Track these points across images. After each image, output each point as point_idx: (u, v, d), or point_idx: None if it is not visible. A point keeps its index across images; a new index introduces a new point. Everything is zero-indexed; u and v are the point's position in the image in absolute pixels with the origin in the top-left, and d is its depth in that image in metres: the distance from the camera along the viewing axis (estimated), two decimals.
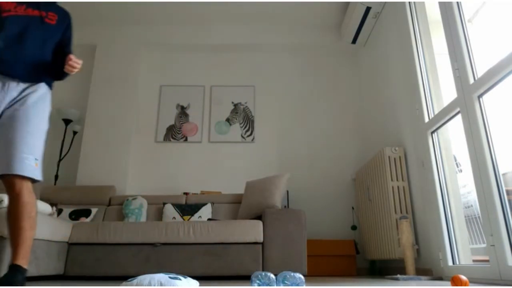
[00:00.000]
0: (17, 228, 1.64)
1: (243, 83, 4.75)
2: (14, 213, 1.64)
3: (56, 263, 2.65)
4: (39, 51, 1.72)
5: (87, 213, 3.48)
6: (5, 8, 1.65)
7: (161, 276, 1.68)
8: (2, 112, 1.63)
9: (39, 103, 1.71)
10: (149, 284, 1.62)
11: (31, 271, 2.31)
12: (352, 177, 4.30)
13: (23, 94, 1.68)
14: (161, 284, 1.63)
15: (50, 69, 1.80)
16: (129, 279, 1.69)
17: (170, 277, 1.68)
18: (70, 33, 1.89)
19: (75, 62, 1.73)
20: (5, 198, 2.21)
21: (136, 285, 1.63)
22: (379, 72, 4.01)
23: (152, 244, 2.81)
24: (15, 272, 1.59)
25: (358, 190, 4.04)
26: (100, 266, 2.75)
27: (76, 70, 1.74)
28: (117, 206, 3.67)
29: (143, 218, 3.44)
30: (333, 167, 4.40)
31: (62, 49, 1.85)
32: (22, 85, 1.69)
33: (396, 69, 3.52)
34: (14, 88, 1.66)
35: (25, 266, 1.62)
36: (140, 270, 2.69)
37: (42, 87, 1.76)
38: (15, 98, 1.66)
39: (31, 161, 1.62)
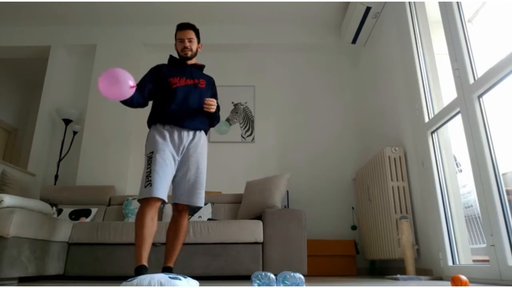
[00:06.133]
0: (176, 239, 2.24)
1: (243, 83, 4.75)
2: (176, 228, 2.25)
3: (56, 263, 2.65)
4: (197, 108, 2.30)
5: (87, 213, 3.48)
6: (173, 82, 2.31)
7: (161, 276, 1.68)
8: (182, 151, 2.24)
9: (204, 149, 2.33)
10: (149, 284, 1.62)
11: (31, 271, 2.32)
12: (352, 177, 4.30)
13: (194, 141, 2.27)
14: (161, 284, 1.63)
15: (206, 119, 2.38)
16: (129, 279, 1.69)
17: (170, 277, 1.68)
18: (215, 90, 2.53)
19: (209, 100, 2.26)
20: (5, 198, 2.21)
21: (136, 285, 1.63)
22: (379, 72, 4.01)
23: (152, 244, 2.81)
24: (171, 272, 2.15)
25: (358, 190, 4.04)
26: (100, 266, 2.75)
27: (212, 106, 2.26)
28: (117, 206, 3.67)
29: None
30: (333, 167, 4.40)
31: None
32: (191, 133, 2.28)
33: (396, 69, 3.51)
34: (186, 135, 2.25)
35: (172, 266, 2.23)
36: None
37: (203, 136, 2.35)
38: (190, 142, 2.26)
39: (202, 194, 2.27)
